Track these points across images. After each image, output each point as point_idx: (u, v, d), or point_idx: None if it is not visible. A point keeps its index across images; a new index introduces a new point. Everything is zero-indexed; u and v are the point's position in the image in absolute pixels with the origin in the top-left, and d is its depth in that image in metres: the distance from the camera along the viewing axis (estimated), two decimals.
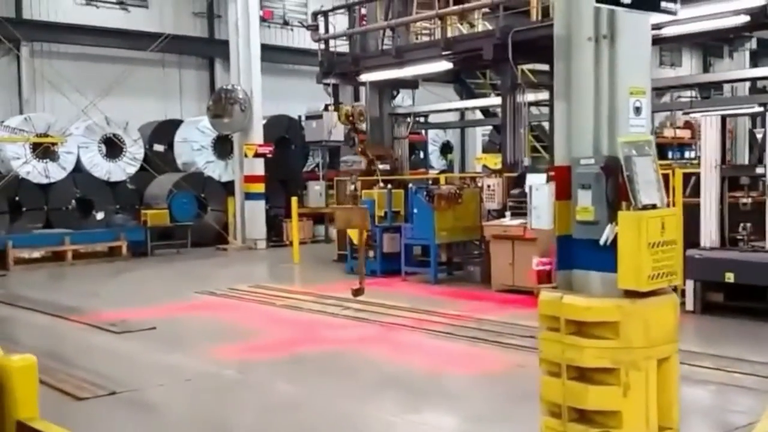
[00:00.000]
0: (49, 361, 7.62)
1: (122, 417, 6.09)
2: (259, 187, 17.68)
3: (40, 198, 17.25)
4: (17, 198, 16.88)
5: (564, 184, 4.76)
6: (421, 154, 23.46)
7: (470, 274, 12.46)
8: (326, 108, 15.94)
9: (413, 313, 9.71)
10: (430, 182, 14.63)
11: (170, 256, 16.71)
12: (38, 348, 8.36)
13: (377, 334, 8.82)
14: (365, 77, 14.91)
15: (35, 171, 17.10)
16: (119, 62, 20.87)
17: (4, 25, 18.78)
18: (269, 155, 17.74)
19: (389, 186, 13.46)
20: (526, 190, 9.80)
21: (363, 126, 9.75)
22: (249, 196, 17.64)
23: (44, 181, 17.28)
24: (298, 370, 7.39)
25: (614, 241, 4.43)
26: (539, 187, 5.77)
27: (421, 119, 18.66)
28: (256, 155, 17.42)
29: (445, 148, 24.73)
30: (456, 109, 19.44)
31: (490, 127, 21.76)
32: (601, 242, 4.47)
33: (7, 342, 8.50)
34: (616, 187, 4.51)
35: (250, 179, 17.63)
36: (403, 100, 19.83)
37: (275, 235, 18.18)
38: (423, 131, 21.63)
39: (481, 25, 15.74)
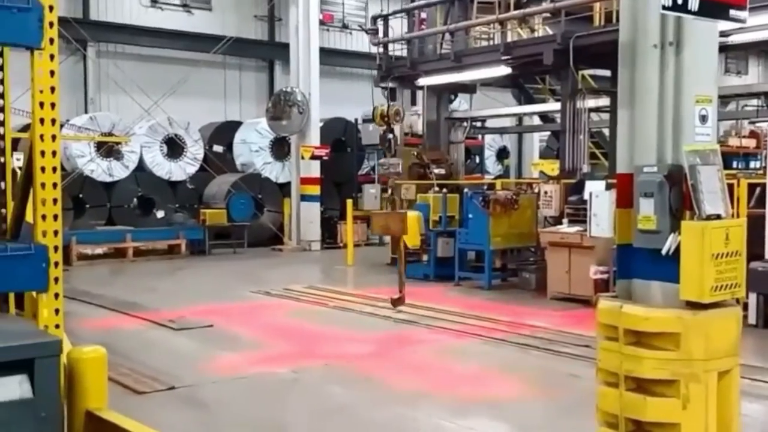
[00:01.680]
0: (110, 356, 7.80)
1: (180, 412, 6.22)
2: (315, 189, 17.84)
3: (103, 196, 17.69)
4: (81, 195, 17.32)
5: (626, 192, 4.69)
6: (477, 159, 23.38)
7: (525, 281, 12.34)
8: None
9: (464, 319, 9.68)
10: (486, 187, 14.55)
11: (227, 256, 16.96)
12: (99, 342, 8.61)
13: (427, 339, 8.81)
14: (423, 81, 14.93)
15: (99, 169, 17.55)
16: (182, 64, 21.31)
17: (72, 25, 19.34)
18: (325, 158, 17.88)
19: (444, 190, 13.44)
20: (586, 197, 9.68)
21: (398, 127, 9.56)
22: (304, 197, 17.81)
23: (108, 179, 17.71)
24: (348, 371, 7.43)
25: (676, 251, 4.36)
26: (600, 194, 5.71)
27: (479, 124, 18.58)
28: (313, 157, 17.58)
29: (502, 153, 24.58)
30: (514, 114, 19.33)
31: (548, 133, 21.55)
32: (663, 252, 4.40)
33: (68, 336, 8.77)
34: (679, 196, 4.44)
35: (306, 181, 17.80)
36: (460, 104, 19.78)
37: (329, 237, 18.31)
38: (480, 136, 21.55)
39: (542, 30, 15.62)
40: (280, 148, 19.43)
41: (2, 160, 2.85)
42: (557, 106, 14.43)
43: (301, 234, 17.86)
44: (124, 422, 2.24)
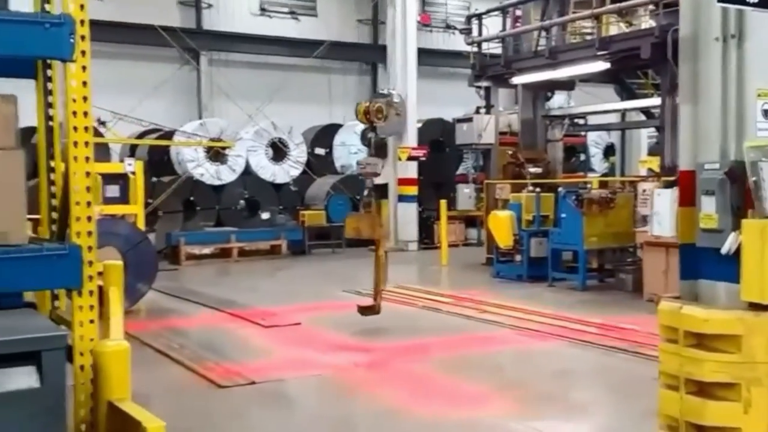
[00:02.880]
0: (202, 351, 8.23)
1: (255, 405, 6.46)
2: (412, 190, 17.95)
3: (212, 198, 18.40)
4: (192, 198, 18.10)
5: (688, 190, 4.59)
6: (582, 157, 22.85)
7: (622, 282, 12.02)
8: (477, 111, 15.92)
9: (552, 320, 9.54)
10: (590, 185, 14.21)
11: (325, 256, 17.33)
12: (196, 338, 9.07)
13: (510, 340, 8.74)
14: (517, 79, 14.76)
15: (208, 173, 18.28)
16: (288, 69, 21.92)
17: (185, 36, 20.27)
18: (422, 158, 17.97)
19: (537, 189, 13.26)
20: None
21: (382, 124, 9.05)
22: (402, 198, 17.95)
23: (216, 182, 18.42)
24: (425, 370, 7.49)
25: (738, 250, 4.21)
26: (661, 192, 5.54)
27: (581, 121, 18.15)
28: (409, 158, 17.72)
29: (610, 151, 23.91)
30: (613, 111, 18.77)
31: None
32: (723, 251, 4.28)
33: (170, 332, 9.26)
34: (741, 193, 4.29)
35: (403, 182, 17.94)
36: (567, 101, 19.38)
37: (427, 237, 18.36)
38: (583, 133, 21.07)
39: (646, 23, 15.12)
40: (378, 150, 19.62)
41: (52, 164, 3.08)
42: (658, 101, 13.93)
43: (399, 234, 18.01)
44: (139, 413, 2.40)
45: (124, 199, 14.35)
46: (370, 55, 24.33)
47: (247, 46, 22.26)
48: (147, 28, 19.46)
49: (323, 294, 11.97)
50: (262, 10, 23.38)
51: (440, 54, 23.79)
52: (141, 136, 19.20)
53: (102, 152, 17.00)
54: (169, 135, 18.61)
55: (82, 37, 2.80)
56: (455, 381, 7.10)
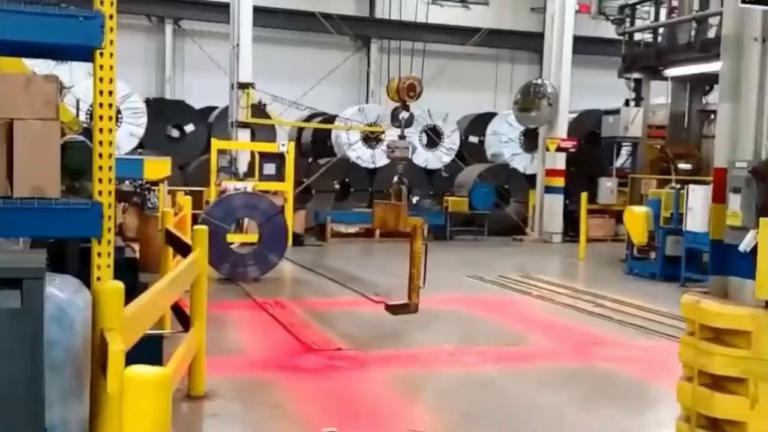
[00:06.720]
0: (316, 324, 8.86)
1: (333, 367, 7.00)
2: (559, 181, 17.78)
3: (366, 181, 19.23)
4: (347, 180, 19.03)
5: (720, 187, 4.62)
6: None
7: None
8: (626, 103, 15.49)
9: (669, 319, 9.30)
10: None
11: (467, 243, 17.62)
12: (312, 309, 9.64)
13: (618, 338, 8.65)
14: (669, 72, 14.28)
15: (363, 157, 19.12)
16: (455, 57, 22.26)
17: (353, 23, 21.22)
18: (572, 150, 17.74)
19: (678, 186, 12.80)
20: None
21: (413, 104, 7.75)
22: (549, 189, 17.86)
23: (371, 166, 19.22)
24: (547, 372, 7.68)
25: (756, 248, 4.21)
26: (696, 188, 5.49)
27: None
28: (558, 149, 17.56)
29: None
30: None
31: None
32: (741, 249, 4.30)
33: (292, 302, 10.01)
34: (765, 192, 4.26)
35: (550, 173, 17.83)
36: None
37: (572, 230, 18.11)
38: None
39: None
40: (531, 140, 19.59)
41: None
42: None
43: (543, 226, 17.95)
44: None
45: (279, 176, 15.48)
46: (539, 44, 24.10)
47: (416, 34, 22.78)
48: (324, 16, 20.47)
49: (447, 278, 11.99)
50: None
51: (606, 42, 23.14)
52: (308, 119, 20.40)
53: (267, 133, 18.30)
54: (331, 119, 19.63)
55: (111, 29, 3.42)
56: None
